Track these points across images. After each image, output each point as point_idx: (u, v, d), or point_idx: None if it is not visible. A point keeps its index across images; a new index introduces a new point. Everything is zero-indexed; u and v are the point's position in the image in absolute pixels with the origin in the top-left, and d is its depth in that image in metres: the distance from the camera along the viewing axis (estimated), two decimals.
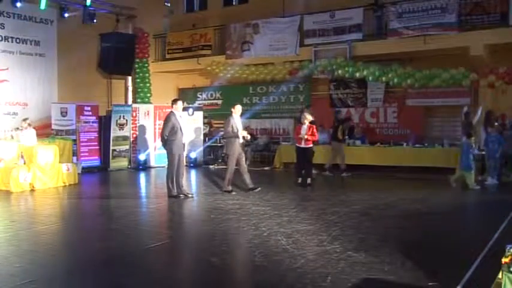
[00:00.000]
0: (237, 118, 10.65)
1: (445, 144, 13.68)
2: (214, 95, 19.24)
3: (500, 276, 2.28)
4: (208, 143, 17.19)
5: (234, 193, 10.37)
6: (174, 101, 10.17)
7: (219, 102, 19.14)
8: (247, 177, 10.69)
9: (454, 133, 14.74)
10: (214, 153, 17.31)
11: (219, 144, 17.06)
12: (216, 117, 18.94)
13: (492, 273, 3.57)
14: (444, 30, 13.78)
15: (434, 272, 5.04)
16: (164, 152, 10.41)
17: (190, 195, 10.08)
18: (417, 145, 14.06)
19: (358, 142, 14.72)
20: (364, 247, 6.04)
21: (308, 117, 11.65)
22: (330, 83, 16.92)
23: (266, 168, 15.44)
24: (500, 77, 13.12)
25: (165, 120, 10.01)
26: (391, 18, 14.63)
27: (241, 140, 10.68)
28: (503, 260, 2.40)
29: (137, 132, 16.11)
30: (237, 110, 10.73)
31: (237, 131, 10.48)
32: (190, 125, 15.89)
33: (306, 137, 11.38)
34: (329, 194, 10.56)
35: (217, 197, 10.15)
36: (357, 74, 15.02)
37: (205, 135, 17.45)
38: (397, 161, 13.85)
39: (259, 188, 10.61)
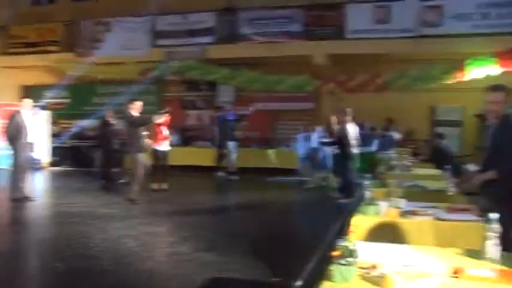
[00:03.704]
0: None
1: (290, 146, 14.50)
2: (61, 94, 18.28)
3: (332, 268, 2.65)
4: (56, 143, 16.29)
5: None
6: (21, 100, 10.12)
7: (67, 101, 18.28)
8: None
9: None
10: (63, 154, 16.41)
11: (65, 146, 16.29)
12: (63, 116, 18.04)
13: (326, 267, 3.94)
14: (291, 38, 14.54)
15: (277, 267, 5.34)
16: (5, 153, 9.79)
17: (33, 198, 9.54)
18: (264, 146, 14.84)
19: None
20: (214, 247, 6.20)
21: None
22: (181, 85, 17.00)
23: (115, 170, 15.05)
24: (339, 85, 14.18)
25: (10, 119, 9.56)
26: (243, 24, 15.13)
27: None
28: (334, 253, 2.74)
29: None
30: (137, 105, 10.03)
31: None
32: (36, 124, 14.95)
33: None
34: (182, 196, 10.59)
35: (63, 200, 9.78)
36: (208, 77, 15.32)
37: (53, 135, 16.54)
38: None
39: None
